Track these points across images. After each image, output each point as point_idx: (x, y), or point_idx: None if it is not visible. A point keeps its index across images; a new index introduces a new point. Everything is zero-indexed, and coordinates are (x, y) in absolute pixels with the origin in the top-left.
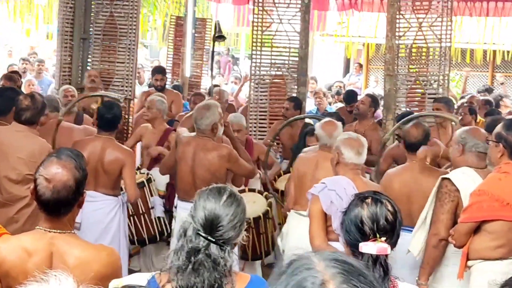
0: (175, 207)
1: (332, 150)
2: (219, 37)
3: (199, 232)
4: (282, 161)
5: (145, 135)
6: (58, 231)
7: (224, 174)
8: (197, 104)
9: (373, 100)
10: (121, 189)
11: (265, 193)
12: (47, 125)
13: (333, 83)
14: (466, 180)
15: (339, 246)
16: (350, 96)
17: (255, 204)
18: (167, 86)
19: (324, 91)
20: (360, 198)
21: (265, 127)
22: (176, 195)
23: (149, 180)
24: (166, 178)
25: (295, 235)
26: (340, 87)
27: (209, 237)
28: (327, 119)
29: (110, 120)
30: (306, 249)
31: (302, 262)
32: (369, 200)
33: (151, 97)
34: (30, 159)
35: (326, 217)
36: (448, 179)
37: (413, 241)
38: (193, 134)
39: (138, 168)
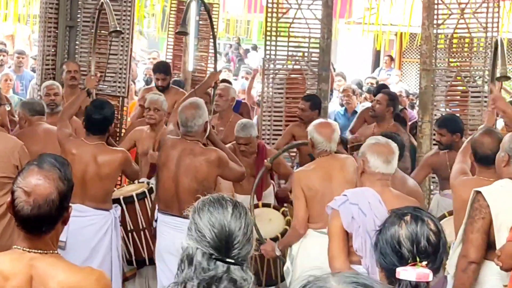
0: (155, 221)
1: (336, 154)
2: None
3: (215, 256)
4: None
5: (141, 140)
6: (39, 251)
7: (212, 183)
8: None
9: (391, 99)
10: (113, 202)
11: (282, 208)
12: (31, 130)
13: (364, 79)
14: (501, 195)
15: (362, 270)
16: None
17: (271, 223)
18: None
19: (353, 88)
20: (398, 215)
21: (281, 130)
22: (157, 207)
23: (150, 191)
24: None
25: (310, 255)
26: (372, 84)
27: (228, 259)
28: (319, 120)
29: (100, 121)
30: (325, 270)
31: (319, 285)
32: (408, 218)
33: (153, 96)
34: (1, 159)
35: (347, 235)
36: (481, 192)
37: (451, 260)
38: (178, 137)
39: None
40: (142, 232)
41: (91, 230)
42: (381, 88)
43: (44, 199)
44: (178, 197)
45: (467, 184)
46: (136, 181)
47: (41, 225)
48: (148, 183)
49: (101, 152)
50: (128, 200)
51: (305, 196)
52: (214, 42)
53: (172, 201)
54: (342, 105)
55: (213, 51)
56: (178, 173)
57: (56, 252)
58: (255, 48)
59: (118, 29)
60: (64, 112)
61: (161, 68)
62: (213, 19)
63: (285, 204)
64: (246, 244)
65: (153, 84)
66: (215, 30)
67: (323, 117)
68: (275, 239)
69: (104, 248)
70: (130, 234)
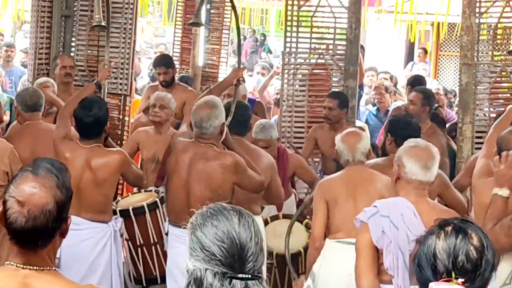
0: (166, 234)
1: (360, 167)
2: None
3: (230, 275)
4: (323, 177)
5: (145, 143)
6: (35, 267)
7: (228, 192)
8: None
9: (426, 97)
10: (114, 213)
11: (306, 220)
12: (19, 131)
13: (377, 73)
14: None
15: None
16: (416, 83)
17: (293, 236)
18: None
19: (386, 85)
20: (440, 225)
21: (303, 133)
22: (167, 219)
23: (162, 200)
24: None
25: (333, 273)
26: (386, 79)
27: (244, 275)
28: (349, 129)
29: (91, 124)
30: None
31: None
32: (449, 229)
33: (161, 93)
34: None
35: (377, 252)
36: None
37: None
38: (190, 139)
39: (139, 188)
40: (153, 247)
41: (88, 245)
42: (418, 78)
43: (40, 210)
44: (190, 207)
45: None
46: (142, 190)
47: (37, 238)
48: (157, 192)
49: (96, 155)
50: (138, 212)
51: (327, 206)
52: (238, 33)
53: (183, 212)
54: (374, 104)
55: (226, 43)
56: (190, 180)
57: (53, 268)
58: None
59: (102, 24)
60: (65, 108)
61: (161, 61)
62: (226, 8)
63: (307, 216)
64: (260, 255)
65: (142, 80)
66: (239, 19)
67: (351, 117)
68: (297, 255)
69: (103, 266)
70: (139, 249)
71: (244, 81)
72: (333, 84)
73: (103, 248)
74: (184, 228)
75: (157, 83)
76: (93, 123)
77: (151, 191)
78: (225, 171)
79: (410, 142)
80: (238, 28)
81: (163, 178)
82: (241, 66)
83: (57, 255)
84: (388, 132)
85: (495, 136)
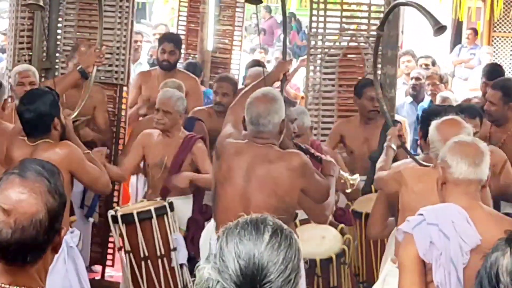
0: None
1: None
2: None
3: None
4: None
5: (151, 147)
6: None
7: (295, 200)
8: (226, 93)
9: (506, 93)
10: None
11: (341, 225)
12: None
13: (417, 59)
14: None
15: None
16: (494, 75)
17: (324, 241)
18: (178, 66)
19: (441, 74)
20: (507, 239)
21: (332, 127)
22: (216, 237)
23: (171, 207)
24: (187, 211)
25: None
26: (427, 65)
27: None
28: (447, 117)
29: (32, 121)
30: None
31: None
32: None
33: (165, 93)
34: None
35: (425, 266)
36: None
37: None
38: (242, 140)
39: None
40: (159, 261)
41: None
42: (494, 66)
43: (29, 220)
44: None
45: None
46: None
47: (25, 253)
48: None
49: (38, 152)
50: (144, 217)
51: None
52: (284, 10)
53: None
54: (413, 95)
55: (239, 23)
56: (249, 188)
57: None
58: (293, 16)
59: (39, 3)
60: None
61: (170, 37)
62: None
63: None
64: (283, 286)
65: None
66: None
67: (390, 111)
68: (328, 261)
69: None
70: (143, 263)
71: (264, 66)
72: (368, 72)
73: (53, 267)
74: None
75: (152, 68)
76: (35, 119)
77: (156, 200)
78: (293, 174)
79: (454, 139)
80: (283, 7)
81: (169, 189)
82: (287, 58)
83: None
84: (419, 125)
85: None
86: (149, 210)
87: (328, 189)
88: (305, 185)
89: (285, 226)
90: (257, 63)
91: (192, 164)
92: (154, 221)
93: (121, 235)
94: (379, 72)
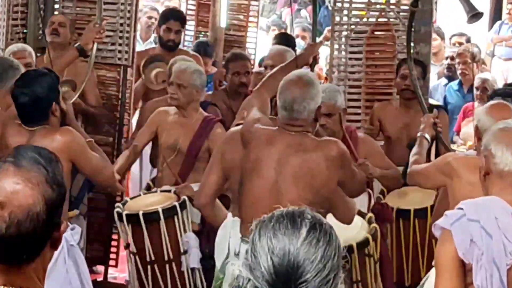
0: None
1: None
2: None
3: None
4: None
5: (163, 125)
6: None
7: (334, 193)
8: (241, 74)
9: None
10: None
11: (369, 214)
12: None
13: (450, 37)
14: None
15: None
16: None
17: (347, 229)
18: (188, 45)
19: (473, 52)
20: None
21: (359, 114)
22: (239, 234)
23: (183, 205)
24: None
25: None
26: (461, 43)
27: None
28: (496, 101)
29: (28, 105)
30: None
31: None
32: None
33: (180, 65)
34: None
35: (464, 267)
36: None
37: None
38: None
39: (149, 188)
40: (167, 266)
41: None
42: None
43: (25, 213)
44: None
45: None
46: (155, 188)
47: (21, 250)
48: (175, 193)
49: (37, 138)
50: (151, 218)
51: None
52: None
53: None
54: (448, 77)
55: None
56: (281, 181)
57: None
58: None
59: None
60: None
61: (176, 14)
62: None
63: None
64: (320, 285)
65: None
66: None
67: (424, 94)
68: (350, 249)
69: None
70: (149, 267)
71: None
72: (399, 51)
73: (53, 267)
74: None
75: (150, 46)
76: (31, 103)
77: (169, 191)
78: (331, 165)
79: (498, 124)
80: None
81: (186, 175)
82: (316, 41)
83: None
84: None
85: None
86: (157, 211)
87: (365, 181)
88: (343, 176)
89: (325, 221)
90: (284, 38)
91: (209, 150)
92: (162, 223)
93: (126, 233)
94: (412, 51)
